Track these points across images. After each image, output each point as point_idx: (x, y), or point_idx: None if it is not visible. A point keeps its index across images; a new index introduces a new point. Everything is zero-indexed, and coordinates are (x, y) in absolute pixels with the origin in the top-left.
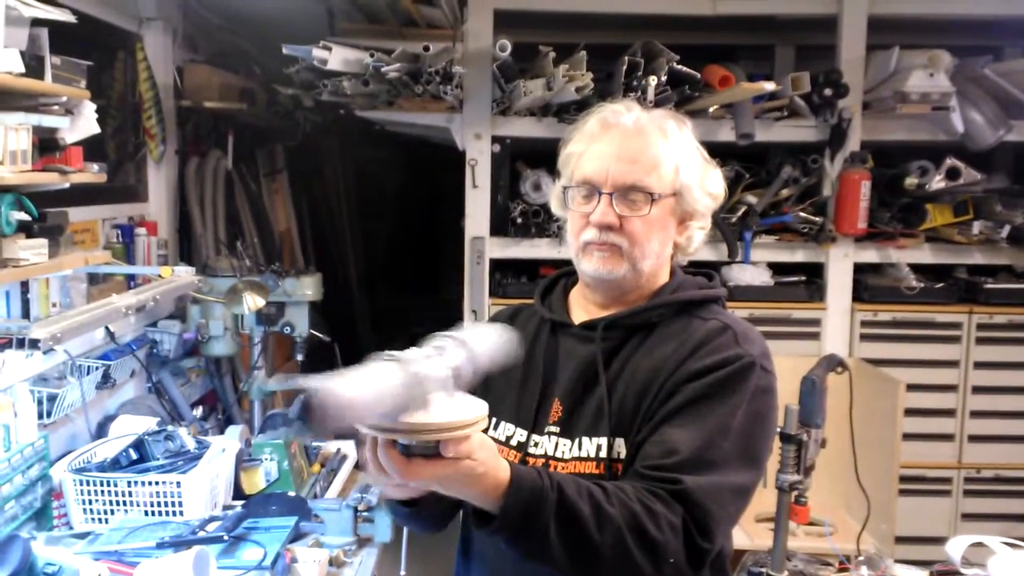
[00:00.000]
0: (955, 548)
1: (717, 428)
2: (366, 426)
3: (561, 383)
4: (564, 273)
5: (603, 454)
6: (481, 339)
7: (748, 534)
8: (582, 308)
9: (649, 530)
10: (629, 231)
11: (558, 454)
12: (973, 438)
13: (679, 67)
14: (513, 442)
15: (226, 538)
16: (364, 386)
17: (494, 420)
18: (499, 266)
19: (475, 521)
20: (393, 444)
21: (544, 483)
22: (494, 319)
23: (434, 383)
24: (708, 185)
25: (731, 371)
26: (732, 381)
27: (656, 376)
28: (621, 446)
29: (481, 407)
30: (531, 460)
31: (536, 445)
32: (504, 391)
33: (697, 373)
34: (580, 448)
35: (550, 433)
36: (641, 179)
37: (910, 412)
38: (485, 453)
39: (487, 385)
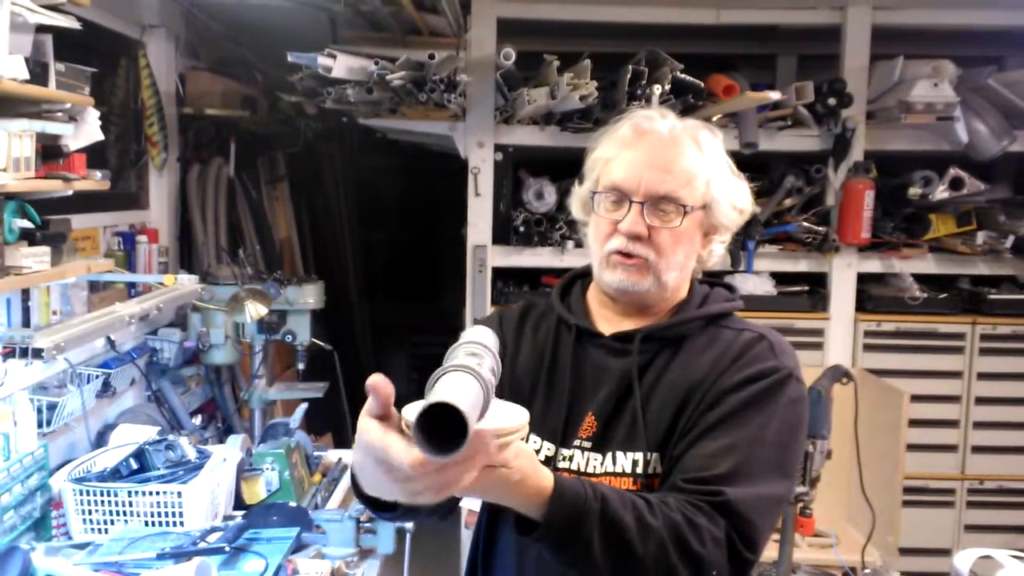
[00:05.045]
0: (963, 561)
1: (755, 439)
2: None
3: (594, 396)
4: (579, 274)
5: (639, 469)
6: (492, 343)
7: None
8: (602, 316)
9: (692, 543)
10: (657, 242)
11: (589, 469)
12: (976, 449)
13: (683, 76)
14: (540, 456)
15: (227, 549)
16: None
17: None
18: (501, 275)
19: (517, 529)
20: None
21: (587, 493)
22: (502, 317)
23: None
24: (736, 200)
25: (769, 383)
26: (769, 393)
27: (696, 389)
28: (657, 461)
29: (523, 414)
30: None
31: (565, 459)
32: (527, 401)
33: (736, 385)
34: (614, 463)
35: (581, 448)
36: (675, 190)
37: (913, 423)
38: (523, 460)
39: (510, 392)
